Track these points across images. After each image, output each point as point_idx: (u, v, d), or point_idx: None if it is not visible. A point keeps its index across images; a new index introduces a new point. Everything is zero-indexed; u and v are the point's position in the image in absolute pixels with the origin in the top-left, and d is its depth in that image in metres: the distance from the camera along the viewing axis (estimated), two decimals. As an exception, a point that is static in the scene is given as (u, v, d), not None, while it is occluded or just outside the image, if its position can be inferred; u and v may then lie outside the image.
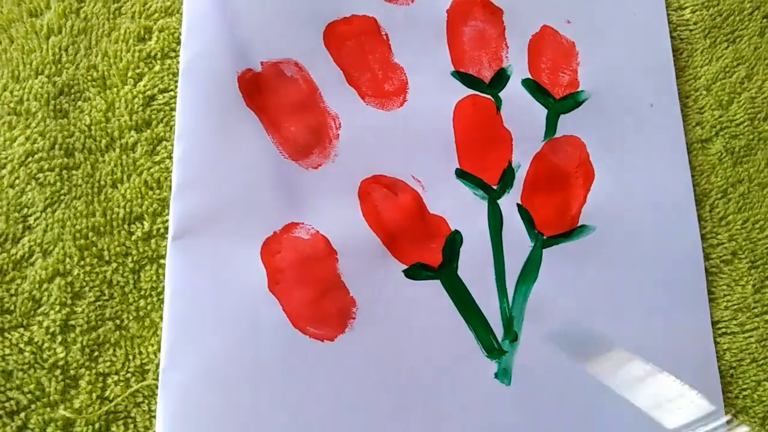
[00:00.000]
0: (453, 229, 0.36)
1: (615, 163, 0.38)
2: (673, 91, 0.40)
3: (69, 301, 0.32)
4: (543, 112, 0.38)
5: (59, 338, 0.31)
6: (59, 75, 0.34)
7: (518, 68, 0.39)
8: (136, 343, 0.32)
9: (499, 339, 0.35)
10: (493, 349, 0.34)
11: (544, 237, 0.37)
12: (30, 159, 0.33)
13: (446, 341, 0.34)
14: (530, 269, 0.36)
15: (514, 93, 0.39)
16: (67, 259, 0.32)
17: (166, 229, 0.33)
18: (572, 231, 0.37)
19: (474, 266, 0.36)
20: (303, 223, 0.34)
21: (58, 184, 0.33)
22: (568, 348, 0.35)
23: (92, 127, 0.34)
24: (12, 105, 0.33)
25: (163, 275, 0.33)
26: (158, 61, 0.35)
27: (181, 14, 0.35)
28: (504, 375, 0.34)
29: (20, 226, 0.32)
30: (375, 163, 0.36)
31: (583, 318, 0.36)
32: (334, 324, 0.33)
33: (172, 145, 0.34)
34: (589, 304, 0.36)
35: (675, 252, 0.37)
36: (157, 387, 0.31)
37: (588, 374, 0.35)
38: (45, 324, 0.31)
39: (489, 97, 0.38)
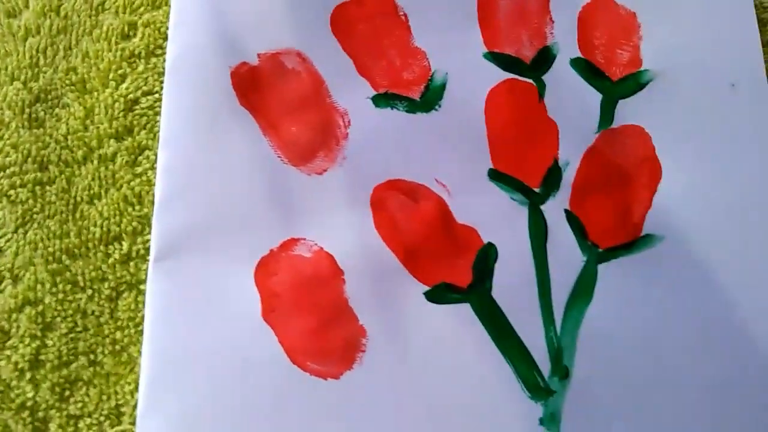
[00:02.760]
0: (485, 241, 0.31)
1: (688, 157, 0.32)
2: (760, 67, 0.33)
3: (39, 334, 0.29)
4: (597, 97, 0.33)
5: (28, 375, 0.29)
6: (36, 80, 0.32)
7: (566, 46, 0.34)
8: (112, 382, 0.29)
9: (546, 376, 0.30)
10: (537, 388, 0.29)
11: (600, 250, 0.31)
12: (1, 174, 0.30)
13: (478, 378, 0.29)
14: (583, 289, 0.31)
15: (560, 76, 0.33)
16: (39, 286, 0.29)
17: (147, 250, 0.30)
18: (634, 242, 0.31)
19: (512, 287, 0.31)
20: (304, 239, 0.31)
21: (31, 201, 0.30)
22: (631, 387, 0.29)
23: (69, 137, 0.31)
24: (-15, 116, 0.31)
25: (143, 303, 0.29)
26: (142, 60, 0.32)
27: (169, 6, 0.32)
28: (552, 421, 0.29)
29: (-10, 249, 0.30)
30: (390, 167, 0.32)
31: (651, 349, 0.30)
32: (339, 358, 0.29)
33: (155, 155, 0.31)
34: (658, 332, 0.30)
35: None
36: (131, 433, 0.28)
37: (657, 421, 0.29)
38: (13, 359, 0.29)
39: (530, 81, 0.33)
